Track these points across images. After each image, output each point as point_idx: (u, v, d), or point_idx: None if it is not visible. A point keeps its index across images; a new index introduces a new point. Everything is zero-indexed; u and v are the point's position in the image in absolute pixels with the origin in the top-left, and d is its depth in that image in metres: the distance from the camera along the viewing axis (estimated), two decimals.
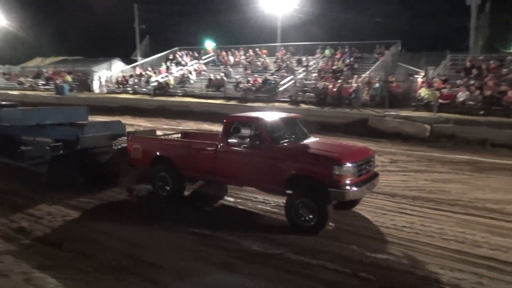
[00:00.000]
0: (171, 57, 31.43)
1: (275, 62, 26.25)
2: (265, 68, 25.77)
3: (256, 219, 7.25)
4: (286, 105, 20.46)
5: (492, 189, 8.87)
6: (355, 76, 20.81)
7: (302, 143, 7.13)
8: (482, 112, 16.16)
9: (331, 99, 19.72)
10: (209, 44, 32.35)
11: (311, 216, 6.25)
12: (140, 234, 6.38)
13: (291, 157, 6.54)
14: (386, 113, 16.99)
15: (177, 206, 7.77)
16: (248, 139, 6.85)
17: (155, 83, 27.27)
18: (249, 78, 24.06)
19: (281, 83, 22.67)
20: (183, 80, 26.87)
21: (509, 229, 6.59)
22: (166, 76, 28.18)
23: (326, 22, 32.70)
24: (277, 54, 27.17)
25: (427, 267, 5.28)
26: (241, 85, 23.35)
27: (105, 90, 30.28)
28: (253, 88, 22.68)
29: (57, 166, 8.34)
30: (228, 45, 30.31)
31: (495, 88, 16.72)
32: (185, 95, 25.33)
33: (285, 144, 6.90)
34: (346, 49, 24.79)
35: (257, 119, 7.20)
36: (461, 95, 16.80)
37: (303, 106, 19.90)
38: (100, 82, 31.09)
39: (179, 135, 9.51)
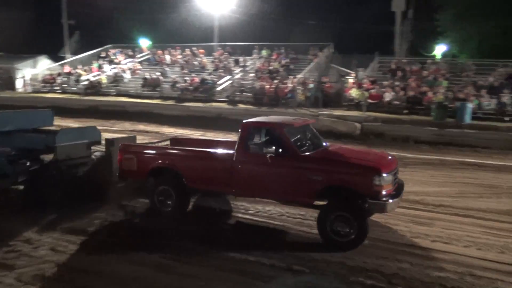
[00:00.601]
0: (103, 54, 30.05)
1: (212, 62, 26.15)
2: (203, 68, 25.57)
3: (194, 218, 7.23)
4: (223, 105, 20.50)
5: (415, 182, 9.55)
6: (291, 76, 21.36)
7: (330, 150, 6.75)
8: (406, 111, 17.38)
9: (268, 99, 20.06)
10: (144, 42, 31.43)
11: (347, 231, 5.74)
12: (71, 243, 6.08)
13: (325, 167, 6.01)
14: (320, 112, 17.65)
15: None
16: (273, 148, 6.10)
17: (86, 82, 25.96)
18: (186, 78, 23.73)
19: (219, 83, 22.66)
20: (116, 79, 25.85)
21: (429, 218, 7.19)
22: (98, 74, 26.94)
23: (262, 23, 33.26)
24: (214, 53, 27.10)
25: (356, 257, 5.58)
26: (178, 85, 22.98)
27: (30, 89, 28.24)
28: (191, 87, 22.43)
29: (35, 181, 7.33)
30: (164, 43, 29.66)
31: (417, 89, 18.06)
32: (119, 94, 24.38)
33: (312, 152, 6.40)
34: (282, 50, 25.35)
35: (278, 124, 6.60)
36: (388, 95, 17.92)
37: (241, 106, 20.05)
38: (25, 81, 28.95)
39: (168, 142, 8.62)
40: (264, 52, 25.89)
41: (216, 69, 24.72)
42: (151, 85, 23.93)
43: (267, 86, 20.33)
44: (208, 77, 23.10)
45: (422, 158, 12.49)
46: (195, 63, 26.21)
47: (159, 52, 28.78)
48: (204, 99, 21.42)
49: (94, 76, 26.67)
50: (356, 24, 38.00)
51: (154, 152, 7.40)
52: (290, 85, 20.14)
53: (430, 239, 6.23)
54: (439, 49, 33.60)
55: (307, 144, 6.67)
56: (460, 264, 5.43)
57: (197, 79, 22.95)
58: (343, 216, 5.73)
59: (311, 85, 20.14)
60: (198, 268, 5.26)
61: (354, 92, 18.86)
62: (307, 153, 6.29)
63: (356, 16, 38.72)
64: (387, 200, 5.66)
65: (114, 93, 24.67)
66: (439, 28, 33.43)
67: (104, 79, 25.93)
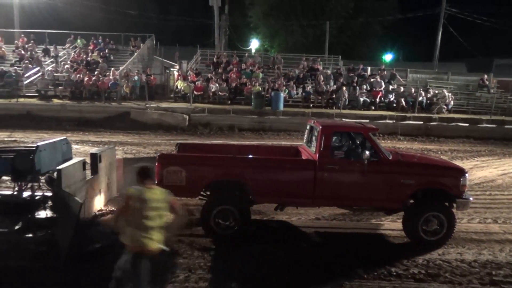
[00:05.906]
0: None
1: (14, 51, 22.52)
2: (1, 58, 21.79)
3: None
4: (33, 100, 17.95)
5: None
6: (112, 68, 20.15)
7: (407, 154, 7.10)
8: (229, 101, 18.52)
9: (88, 92, 18.50)
10: None
11: (438, 229, 5.97)
12: None
13: (418, 171, 6.11)
14: (147, 105, 17.24)
15: None
16: (367, 153, 5.81)
17: None
18: None
19: (26, 75, 19.68)
20: None
21: None
22: None
23: (73, 9, 30.24)
24: (16, 42, 23.36)
25: None
26: None
27: None
28: None
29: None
30: None
31: (237, 80, 19.40)
32: None
33: (395, 156, 6.33)
34: (100, 40, 23.64)
35: (364, 129, 6.40)
36: (212, 87, 18.72)
37: (56, 101, 17.92)
38: None
39: (176, 149, 7.11)
40: (78, 42, 23.66)
41: (21, 59, 21.42)
42: None
43: (86, 79, 18.72)
44: (11, 69, 19.82)
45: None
46: None
47: None
48: (7, 94, 18.31)
49: None
50: (176, 16, 38.23)
51: (214, 162, 6.16)
52: (112, 77, 19.00)
53: None
54: (254, 44, 36.79)
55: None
56: None
57: None
58: (434, 216, 5.98)
59: (135, 77, 19.44)
60: None
61: (180, 84, 19.04)
62: (395, 158, 6.27)
63: (175, 8, 38.96)
64: (469, 198, 6.15)
65: None
66: (251, 24, 36.59)
67: None
